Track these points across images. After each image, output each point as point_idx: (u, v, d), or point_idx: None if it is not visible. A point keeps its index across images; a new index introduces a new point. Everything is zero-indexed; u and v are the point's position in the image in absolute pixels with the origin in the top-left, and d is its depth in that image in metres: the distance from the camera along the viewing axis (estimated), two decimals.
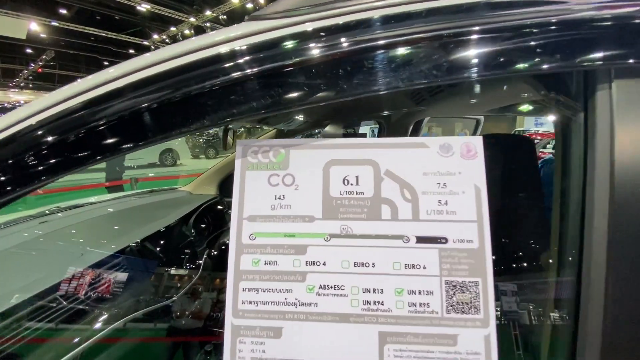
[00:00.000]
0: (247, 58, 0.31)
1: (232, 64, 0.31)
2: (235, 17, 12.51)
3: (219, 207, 1.64)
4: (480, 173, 0.30)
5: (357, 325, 0.29)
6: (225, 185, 1.78)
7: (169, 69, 0.32)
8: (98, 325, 0.88)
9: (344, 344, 0.29)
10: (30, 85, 21.24)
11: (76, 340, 0.79)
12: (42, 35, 14.16)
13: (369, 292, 0.29)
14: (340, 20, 0.31)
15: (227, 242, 1.26)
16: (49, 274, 0.92)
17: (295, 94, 0.31)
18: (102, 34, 13.89)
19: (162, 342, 1.03)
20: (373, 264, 0.30)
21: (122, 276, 1.03)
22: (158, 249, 1.22)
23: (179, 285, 1.13)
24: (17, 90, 20.81)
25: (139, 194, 1.60)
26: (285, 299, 0.30)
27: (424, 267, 0.29)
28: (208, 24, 12.63)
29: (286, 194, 0.32)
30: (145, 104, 0.31)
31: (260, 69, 0.31)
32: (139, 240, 1.13)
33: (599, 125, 0.30)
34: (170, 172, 8.83)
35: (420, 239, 0.29)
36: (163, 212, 1.41)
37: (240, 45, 0.32)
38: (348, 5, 0.32)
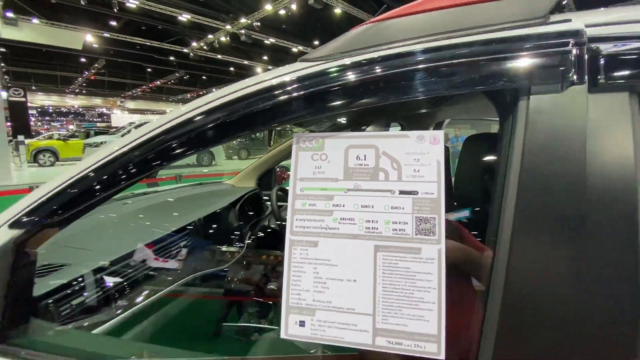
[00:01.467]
0: (296, 85, 0.52)
1: (289, 88, 0.53)
2: (268, 23, 13.03)
3: (258, 197, 1.90)
4: (440, 152, 0.49)
5: (361, 241, 0.49)
6: (263, 179, 2.04)
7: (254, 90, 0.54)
8: (165, 284, 1.12)
9: (354, 251, 0.49)
10: (84, 92, 23.33)
11: (150, 294, 1.04)
12: (95, 46, 15.48)
13: (369, 222, 0.49)
14: (353, 60, 0.52)
15: (266, 226, 1.50)
16: (131, 242, 1.18)
17: (327, 105, 0.52)
18: (147, 43, 14.97)
19: (217, 300, 1.28)
20: (372, 206, 0.50)
21: (184, 249, 1.29)
22: (211, 230, 1.47)
23: (229, 258, 1.37)
24: (72, 95, 22.99)
25: (192, 185, 1.90)
26: (320, 225, 0.51)
27: (403, 208, 0.49)
28: (243, 31, 13.21)
29: (322, 165, 0.53)
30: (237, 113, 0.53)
31: (305, 92, 0.52)
32: (196, 220, 1.38)
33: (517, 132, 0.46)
34: (205, 172, 9.41)
35: (402, 192, 0.49)
36: (212, 200, 1.67)
37: (291, 77, 0.53)
38: (359, 52, 0.53)
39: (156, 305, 1.05)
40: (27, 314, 0.66)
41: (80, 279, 0.90)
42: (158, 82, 22.49)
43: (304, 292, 0.50)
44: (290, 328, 0.50)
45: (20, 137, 9.93)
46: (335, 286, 0.49)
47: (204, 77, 23.07)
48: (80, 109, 24.50)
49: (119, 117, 23.47)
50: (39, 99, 22.80)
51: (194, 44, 15.61)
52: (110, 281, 0.98)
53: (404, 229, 0.48)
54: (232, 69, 19.91)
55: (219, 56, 16.04)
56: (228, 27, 13.34)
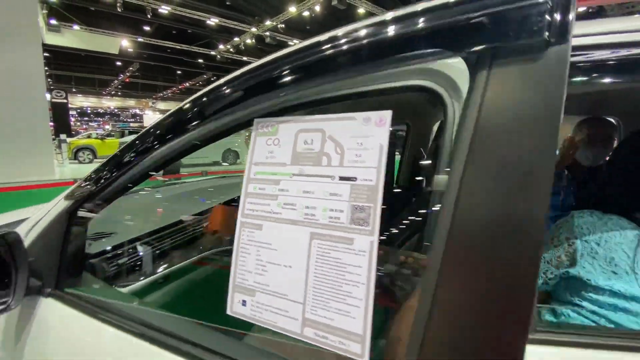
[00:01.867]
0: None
1: None
2: (292, 25, 13.20)
3: None
4: (385, 135, 0.48)
5: (300, 227, 0.50)
6: None
7: None
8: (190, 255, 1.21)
9: (292, 237, 0.50)
10: (119, 93, 24.71)
11: (178, 262, 1.14)
12: (130, 50, 16.35)
13: (308, 208, 0.50)
14: None
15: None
16: (165, 219, 1.31)
17: None
18: (177, 47, 15.62)
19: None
20: (313, 192, 0.50)
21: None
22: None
23: None
24: (108, 97, 24.45)
25: (219, 177, 2.07)
26: (266, 209, 0.52)
27: (341, 195, 0.48)
28: (267, 33, 13.47)
29: (274, 150, 0.54)
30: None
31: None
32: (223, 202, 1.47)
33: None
34: (230, 168, 9.72)
35: (341, 178, 0.49)
36: (234, 188, 1.77)
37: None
38: None
39: (184, 272, 1.15)
40: (79, 268, 0.80)
41: (124, 245, 1.05)
42: (187, 84, 23.37)
43: (247, 272, 0.52)
44: (234, 305, 0.52)
45: (62, 136, 10.66)
46: (274, 270, 0.50)
47: None
48: (116, 110, 25.98)
49: (150, 118, 24.63)
50: (78, 101, 24.37)
51: (221, 46, 16.08)
52: (147, 249, 1.10)
53: (339, 217, 0.47)
54: None
55: (245, 58, 16.43)
56: (253, 29, 13.66)
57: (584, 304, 0.63)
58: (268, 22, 12.95)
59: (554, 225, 0.75)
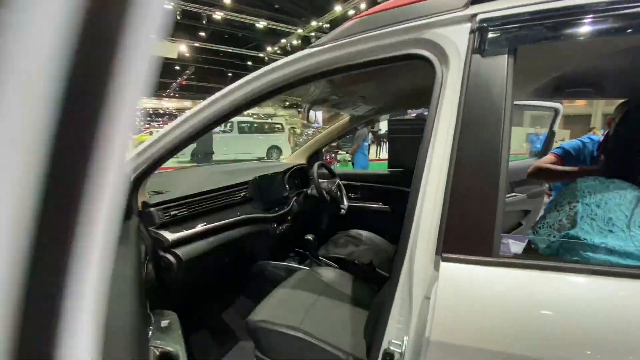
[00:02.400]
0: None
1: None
2: (337, 25, 13.34)
3: (304, 171, 2.18)
4: None
5: None
6: (312, 158, 2.30)
7: None
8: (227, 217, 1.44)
9: None
10: (176, 95, 26.87)
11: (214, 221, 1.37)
12: (187, 55, 17.71)
13: None
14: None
15: (308, 194, 1.75)
16: (208, 186, 1.53)
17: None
18: (229, 50, 16.61)
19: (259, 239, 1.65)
20: None
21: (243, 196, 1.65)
22: (263, 187, 1.76)
23: (275, 211, 1.70)
24: (167, 98, 26.78)
25: (257, 162, 2.32)
26: None
27: None
28: (313, 34, 13.80)
29: None
30: None
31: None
32: (254, 178, 1.69)
33: None
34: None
35: None
36: (267, 168, 1.99)
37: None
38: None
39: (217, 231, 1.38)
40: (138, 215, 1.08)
41: (176, 201, 1.29)
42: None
43: None
44: None
45: None
46: None
47: None
48: (174, 110, 28.26)
49: None
50: (142, 102, 26.79)
51: (269, 48, 16.76)
52: (190, 206, 1.32)
53: None
54: None
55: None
56: (300, 30, 14.08)
57: None
58: (314, 23, 13.27)
59: (558, 193, 0.82)
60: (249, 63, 19.89)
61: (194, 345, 1.56)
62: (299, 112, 27.13)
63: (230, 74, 23.20)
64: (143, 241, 1.09)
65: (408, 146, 2.15)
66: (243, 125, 12.00)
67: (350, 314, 1.27)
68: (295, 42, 15.06)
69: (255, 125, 12.64)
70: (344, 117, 2.20)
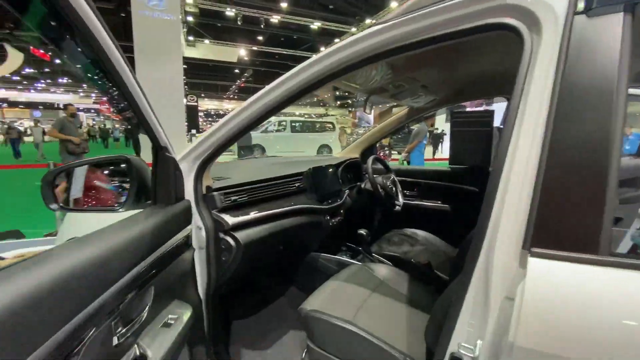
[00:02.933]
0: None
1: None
2: None
3: (358, 165, 2.13)
4: None
5: None
6: (365, 153, 2.24)
7: None
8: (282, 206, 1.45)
9: None
10: (235, 97, 28.58)
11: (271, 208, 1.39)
12: (245, 58, 18.68)
13: None
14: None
15: (362, 188, 1.71)
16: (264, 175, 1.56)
17: None
18: (284, 52, 17.17)
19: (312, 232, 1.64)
20: None
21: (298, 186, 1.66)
22: (317, 179, 1.76)
23: (328, 203, 1.69)
24: (227, 100, 28.66)
25: (312, 156, 2.34)
26: None
27: None
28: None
29: None
30: None
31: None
32: (307, 170, 1.69)
33: None
34: None
35: None
36: (321, 161, 1.97)
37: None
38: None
39: (273, 218, 1.39)
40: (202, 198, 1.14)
41: (235, 187, 1.32)
42: None
43: None
44: None
45: (193, 131, 13.01)
46: None
47: None
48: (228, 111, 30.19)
49: None
50: (204, 104, 28.98)
51: (322, 49, 16.94)
52: (249, 193, 1.36)
53: None
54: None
55: None
56: (353, 29, 14.03)
57: None
58: (367, 21, 13.14)
59: None
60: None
61: (244, 329, 1.60)
62: (350, 111, 27.05)
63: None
64: (203, 223, 1.13)
65: (473, 141, 1.99)
66: (295, 124, 12.33)
67: (406, 314, 1.19)
68: None
69: (307, 124, 12.90)
70: (398, 112, 2.11)
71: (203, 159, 1.13)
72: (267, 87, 1.02)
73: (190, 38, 14.54)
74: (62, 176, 0.87)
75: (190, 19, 12.95)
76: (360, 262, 1.67)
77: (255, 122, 1.05)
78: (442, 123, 14.76)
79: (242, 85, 25.29)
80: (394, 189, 1.93)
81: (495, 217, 0.60)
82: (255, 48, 16.92)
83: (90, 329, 0.52)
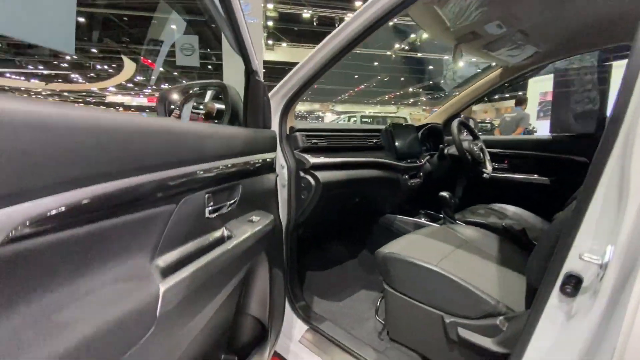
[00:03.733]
0: None
1: None
2: None
3: (439, 131, 2.00)
4: None
5: None
6: (449, 121, 2.10)
7: None
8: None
9: None
10: (308, 99, 29.78)
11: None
12: None
13: None
14: None
15: (444, 153, 1.59)
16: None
17: None
18: (357, 51, 17.20)
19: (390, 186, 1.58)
20: None
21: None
22: (398, 135, 1.71)
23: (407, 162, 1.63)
24: (300, 102, 30.10)
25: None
26: None
27: None
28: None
29: None
30: None
31: None
32: (390, 124, 1.66)
33: None
34: None
35: None
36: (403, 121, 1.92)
37: None
38: None
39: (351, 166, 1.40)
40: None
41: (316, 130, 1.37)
42: (362, 86, 25.31)
43: None
44: None
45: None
46: None
47: (402, 79, 24.06)
48: (305, 113, 31.36)
49: (329, 119, 28.19)
50: None
51: (397, 45, 16.55)
52: (329, 139, 1.38)
53: None
54: (430, 67, 19.77)
55: (419, 54, 16.30)
56: None
57: None
58: None
59: None
60: (376, 64, 20.11)
61: (317, 278, 1.61)
62: (424, 110, 25.87)
63: (356, 76, 24.03)
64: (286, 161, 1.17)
65: (582, 104, 1.70)
66: (365, 119, 12.27)
67: (496, 271, 1.06)
68: (425, 36, 14.38)
69: (377, 119, 12.75)
70: (487, 75, 1.90)
71: (288, 98, 1.18)
72: (336, 30, 1.04)
73: (270, 42, 15.52)
74: (172, 95, 0.99)
75: (270, 23, 13.83)
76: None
77: (330, 62, 1.09)
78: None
79: (315, 86, 26.04)
80: (481, 155, 1.75)
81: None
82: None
83: (192, 187, 0.57)
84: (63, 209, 0.36)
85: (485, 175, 1.70)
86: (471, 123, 1.82)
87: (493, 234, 1.30)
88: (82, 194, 0.38)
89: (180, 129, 0.58)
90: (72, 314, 0.36)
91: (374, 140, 1.55)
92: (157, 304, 0.46)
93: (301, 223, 1.25)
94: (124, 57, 16.75)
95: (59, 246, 0.36)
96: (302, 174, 1.20)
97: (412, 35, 14.80)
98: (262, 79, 0.98)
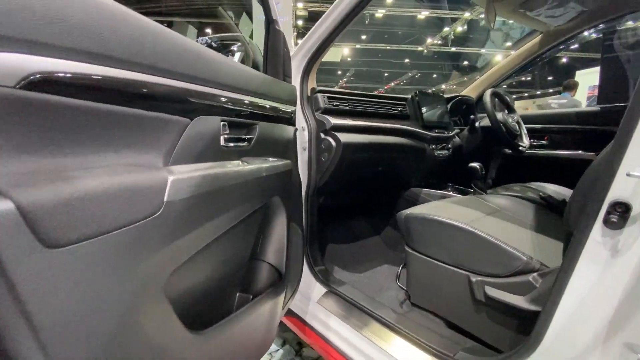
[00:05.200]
0: None
1: None
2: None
3: (470, 105, 1.89)
4: None
5: None
6: (481, 95, 1.99)
7: None
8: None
9: None
10: None
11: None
12: (348, 59, 19.12)
13: None
14: None
15: (476, 125, 1.51)
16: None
17: None
18: (387, 47, 16.92)
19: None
20: None
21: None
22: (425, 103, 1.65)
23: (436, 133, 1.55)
24: None
25: None
26: None
27: None
28: (482, 15, 12.33)
29: None
30: None
31: None
32: (417, 91, 1.62)
33: None
34: None
35: None
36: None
37: None
38: None
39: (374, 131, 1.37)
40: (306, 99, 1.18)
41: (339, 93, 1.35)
42: (392, 84, 24.87)
43: None
44: None
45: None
46: None
47: (434, 75, 23.36)
48: None
49: None
50: None
51: (429, 40, 16.09)
52: (351, 102, 1.36)
53: None
54: (465, 62, 19.02)
55: (453, 49, 15.74)
56: (467, 14, 12.85)
57: None
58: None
59: None
60: (406, 60, 19.66)
61: (337, 248, 1.58)
62: None
63: (386, 74, 23.66)
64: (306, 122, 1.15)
65: (636, 70, 1.53)
66: None
67: (532, 234, 0.97)
68: (460, 29, 13.85)
69: None
70: (524, 43, 1.76)
71: (309, 57, 1.16)
72: None
73: (300, 42, 15.69)
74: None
75: (300, 23, 13.97)
76: None
77: (349, 16, 1.07)
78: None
79: (344, 84, 25.97)
80: (517, 128, 1.63)
81: None
82: (358, 46, 17.15)
83: (206, 109, 0.60)
84: (77, 74, 0.38)
85: (522, 148, 1.58)
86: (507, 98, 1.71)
87: (530, 203, 1.20)
88: (95, 70, 0.40)
89: (196, 47, 0.58)
90: (78, 174, 0.38)
91: (399, 109, 1.49)
92: (164, 189, 0.47)
93: (322, 188, 1.23)
94: None
95: (72, 111, 0.39)
96: (322, 135, 1.18)
97: (446, 29, 14.32)
98: (281, 29, 0.97)
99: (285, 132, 0.95)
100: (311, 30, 1.13)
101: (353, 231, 1.70)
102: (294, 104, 1.07)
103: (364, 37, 16.79)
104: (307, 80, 1.19)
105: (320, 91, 1.23)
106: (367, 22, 13.63)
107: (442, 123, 1.62)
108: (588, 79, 10.29)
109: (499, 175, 1.75)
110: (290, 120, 1.01)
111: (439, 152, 1.56)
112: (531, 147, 1.80)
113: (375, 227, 1.78)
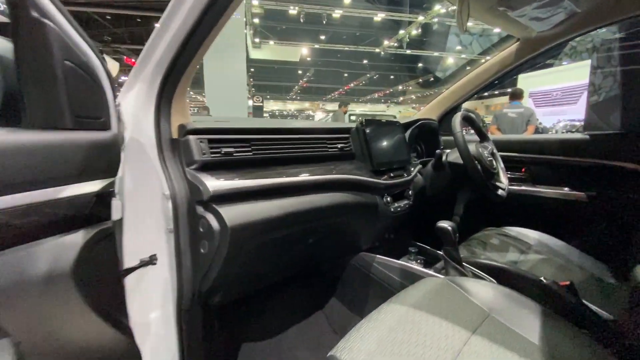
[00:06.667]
0: None
1: None
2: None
3: (433, 130, 1.47)
4: None
5: None
6: (445, 117, 1.58)
7: None
8: None
9: None
10: (298, 98, 29.00)
11: None
12: (308, 59, 18.69)
13: None
14: None
15: (442, 160, 1.06)
16: None
17: None
18: (345, 48, 16.73)
19: None
20: None
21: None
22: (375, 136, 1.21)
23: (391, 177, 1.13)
24: (290, 101, 29.32)
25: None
26: None
27: None
28: (436, 19, 12.52)
29: None
30: None
31: None
32: (363, 120, 1.15)
33: None
34: None
35: None
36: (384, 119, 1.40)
37: None
38: None
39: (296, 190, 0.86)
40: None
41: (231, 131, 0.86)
42: (351, 85, 24.86)
43: None
44: None
45: None
46: None
47: (391, 77, 23.71)
48: (295, 112, 30.68)
49: (319, 117, 27.68)
50: (269, 105, 29.98)
51: (386, 42, 16.16)
52: (256, 145, 0.87)
53: None
54: (420, 64, 19.45)
55: (408, 51, 15.94)
56: (420, 18, 12.95)
57: None
58: (437, 7, 12.00)
59: None
60: (365, 61, 19.63)
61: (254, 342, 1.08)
62: (413, 107, 25.52)
63: (346, 74, 23.55)
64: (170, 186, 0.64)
65: (636, 88, 1.21)
66: (353, 118, 11.81)
67: None
68: (415, 32, 13.99)
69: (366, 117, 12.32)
70: (498, 51, 1.40)
71: (163, 74, 0.65)
72: None
73: (257, 40, 14.92)
74: None
75: (256, 20, 13.22)
76: (439, 273, 1.05)
77: None
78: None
79: (305, 85, 25.55)
80: (494, 164, 1.25)
81: None
82: (317, 46, 16.78)
83: None
84: None
85: (500, 192, 1.19)
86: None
87: (525, 299, 0.79)
88: None
89: None
90: None
91: (339, 145, 1.03)
92: None
93: (206, 291, 0.73)
94: (106, 57, 16.03)
95: None
96: (199, 210, 0.68)
97: (401, 32, 14.39)
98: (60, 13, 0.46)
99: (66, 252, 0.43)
100: (155, 31, 0.61)
101: (276, 325, 1.20)
102: (111, 171, 0.56)
103: (322, 37, 16.44)
104: (166, 114, 0.68)
105: (195, 131, 0.72)
106: (324, 22, 13.26)
107: (399, 162, 1.19)
108: (529, 83, 10.72)
109: (471, 219, 1.36)
110: (88, 217, 0.50)
111: (395, 205, 1.12)
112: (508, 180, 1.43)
113: (317, 301, 1.30)
